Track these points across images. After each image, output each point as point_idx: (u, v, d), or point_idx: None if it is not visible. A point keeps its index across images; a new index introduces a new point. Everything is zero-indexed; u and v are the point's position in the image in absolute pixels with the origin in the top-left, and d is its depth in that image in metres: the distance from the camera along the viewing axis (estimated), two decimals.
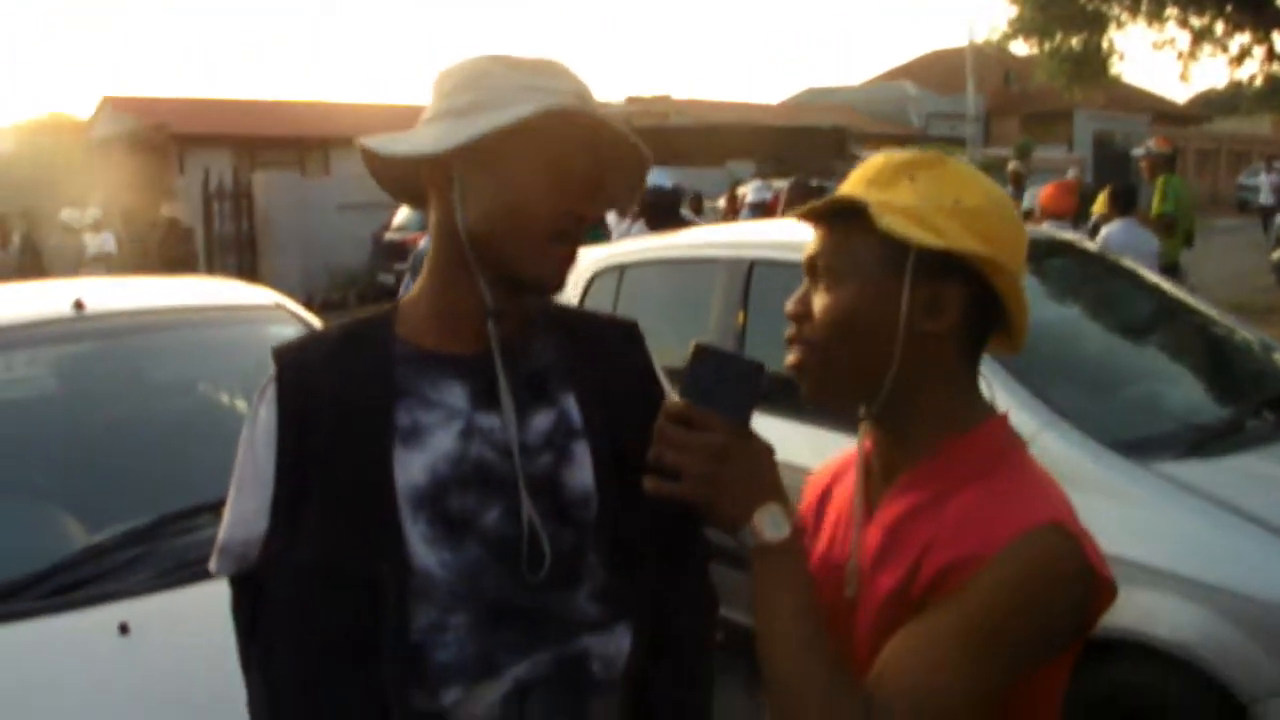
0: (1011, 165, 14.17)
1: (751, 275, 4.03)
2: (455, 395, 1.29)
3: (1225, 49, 16.49)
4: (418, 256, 7.97)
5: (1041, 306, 2.70)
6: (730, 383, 1.15)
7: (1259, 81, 17.02)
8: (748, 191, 16.53)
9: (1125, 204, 7.37)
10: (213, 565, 1.34)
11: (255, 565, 1.28)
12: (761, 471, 1.14)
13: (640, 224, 7.79)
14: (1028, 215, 9.18)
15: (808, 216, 1.23)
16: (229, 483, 1.33)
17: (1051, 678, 1.16)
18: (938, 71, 38.38)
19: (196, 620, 2.02)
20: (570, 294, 4.61)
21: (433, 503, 1.25)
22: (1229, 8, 15.61)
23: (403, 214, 15.95)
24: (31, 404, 3.17)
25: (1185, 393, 3.81)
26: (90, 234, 14.91)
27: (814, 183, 10.73)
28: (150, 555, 2.43)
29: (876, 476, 1.26)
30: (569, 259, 1.30)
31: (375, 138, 1.29)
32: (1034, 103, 33.77)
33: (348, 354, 1.32)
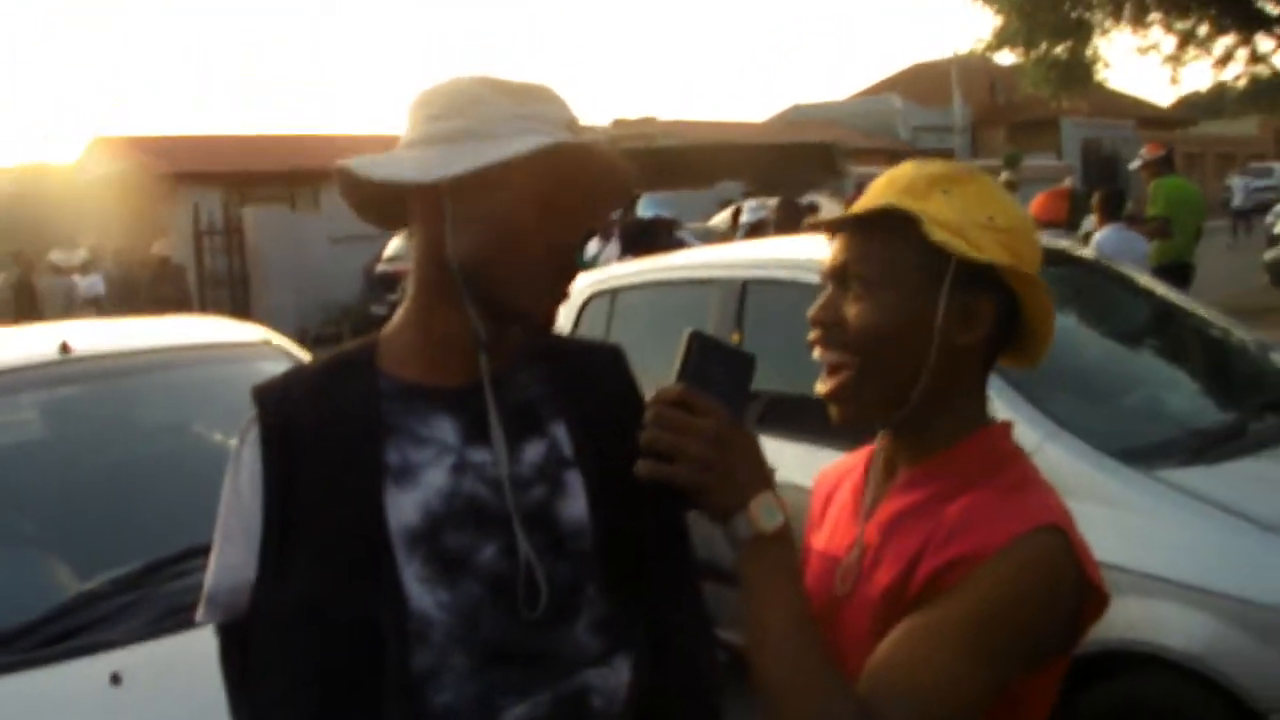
0: (1005, 175, 14.17)
1: (745, 295, 4.02)
2: (445, 430, 1.26)
3: (1210, 52, 16.61)
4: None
5: None
6: (724, 371, 1.15)
7: (1243, 83, 17.14)
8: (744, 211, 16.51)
9: (1113, 209, 7.41)
10: (199, 615, 1.30)
11: (244, 613, 1.24)
12: (758, 459, 1.14)
13: (614, 244, 7.85)
14: None
15: (840, 224, 1.23)
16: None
17: (1035, 695, 1.16)
18: (923, 84, 38.49)
19: (189, 668, 1.97)
20: (563, 319, 4.59)
21: (427, 542, 1.22)
22: (1212, 10, 15.73)
23: (394, 245, 15.92)
24: (18, 448, 3.12)
25: (1186, 398, 3.79)
26: (79, 276, 14.89)
27: (804, 201, 10.71)
28: (142, 602, 2.39)
29: (881, 477, 1.27)
30: (565, 293, 1.28)
31: (357, 159, 1.26)
32: (1020, 112, 33.89)
33: (331, 390, 1.28)
